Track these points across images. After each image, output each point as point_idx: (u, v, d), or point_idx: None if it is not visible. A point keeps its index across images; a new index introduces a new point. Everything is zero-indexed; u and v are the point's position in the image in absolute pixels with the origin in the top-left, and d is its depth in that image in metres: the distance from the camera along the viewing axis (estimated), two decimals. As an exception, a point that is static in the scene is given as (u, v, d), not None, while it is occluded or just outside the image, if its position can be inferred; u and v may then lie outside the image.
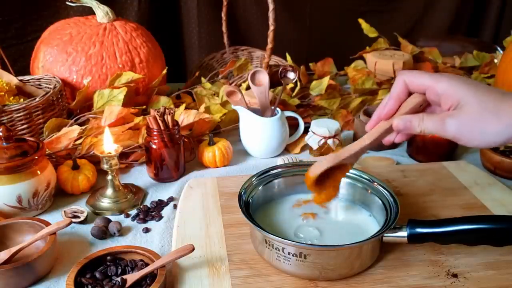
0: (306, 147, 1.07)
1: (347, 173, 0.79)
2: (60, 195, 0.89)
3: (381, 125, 0.64)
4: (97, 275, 0.64)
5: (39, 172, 0.81)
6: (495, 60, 1.35)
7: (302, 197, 0.81)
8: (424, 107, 0.64)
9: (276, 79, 1.12)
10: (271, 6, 1.10)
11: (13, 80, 1.05)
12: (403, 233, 0.66)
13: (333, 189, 0.69)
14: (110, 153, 0.83)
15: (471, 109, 0.57)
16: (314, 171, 0.66)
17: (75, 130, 0.95)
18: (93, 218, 0.82)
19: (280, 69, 1.06)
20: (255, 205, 0.76)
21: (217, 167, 0.99)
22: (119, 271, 0.65)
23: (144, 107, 1.08)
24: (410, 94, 0.63)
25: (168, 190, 0.92)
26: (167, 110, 0.92)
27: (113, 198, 0.86)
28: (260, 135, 1.02)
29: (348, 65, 1.39)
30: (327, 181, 0.68)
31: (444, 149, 1.01)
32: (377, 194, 0.75)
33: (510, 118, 0.56)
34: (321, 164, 0.66)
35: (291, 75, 1.05)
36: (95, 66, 1.10)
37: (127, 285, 0.63)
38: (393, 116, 0.63)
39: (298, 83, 1.27)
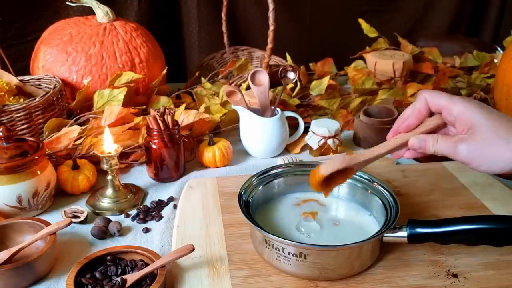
0: (306, 147, 1.07)
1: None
2: (60, 195, 0.89)
3: (398, 138, 0.66)
4: (97, 275, 0.64)
5: (39, 172, 0.81)
6: (495, 60, 1.35)
7: (302, 197, 0.81)
8: (440, 128, 0.66)
9: (276, 79, 1.12)
10: (271, 6, 1.10)
11: (13, 80, 1.05)
12: (403, 233, 0.66)
13: (332, 187, 0.69)
14: (110, 153, 0.83)
15: (483, 135, 0.59)
16: (326, 170, 0.65)
17: (75, 130, 0.95)
18: (93, 218, 0.82)
19: (280, 69, 1.06)
20: (255, 205, 0.76)
21: (217, 167, 0.99)
22: (119, 271, 0.65)
23: (144, 107, 1.08)
24: (430, 111, 0.65)
25: (168, 190, 0.92)
26: (167, 110, 0.92)
27: (113, 198, 0.86)
28: (260, 135, 1.02)
29: (348, 65, 1.39)
30: (330, 181, 0.68)
31: (444, 149, 1.01)
32: (377, 194, 0.75)
33: None
34: (334, 163, 0.66)
35: (291, 75, 1.05)
36: (95, 66, 1.10)
37: (127, 285, 0.63)
38: (411, 131, 0.66)
39: (298, 83, 1.27)
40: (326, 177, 0.66)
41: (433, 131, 0.65)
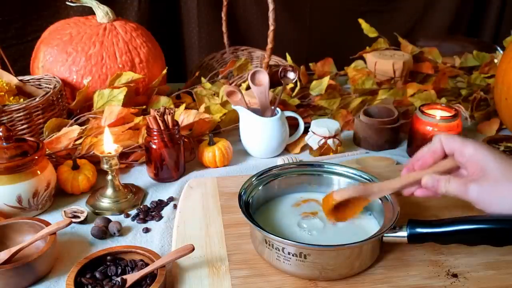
0: (306, 147, 1.07)
1: (347, 173, 0.80)
2: (60, 195, 0.89)
3: (413, 175, 0.69)
4: (97, 275, 0.64)
5: (39, 172, 0.81)
6: (495, 60, 1.35)
7: (302, 197, 0.81)
8: (453, 170, 0.68)
9: (276, 79, 1.12)
10: (271, 6, 1.10)
11: (13, 80, 1.05)
12: (403, 233, 0.66)
13: (345, 216, 0.72)
14: (110, 153, 0.83)
15: (493, 177, 0.62)
16: (340, 196, 0.69)
17: (75, 130, 0.95)
18: (93, 218, 0.82)
19: (280, 69, 1.06)
20: (255, 205, 0.76)
21: (217, 167, 0.99)
22: (119, 271, 0.65)
23: (144, 107, 1.08)
24: (444, 153, 0.68)
25: (168, 190, 0.92)
26: (167, 110, 0.92)
27: (113, 198, 0.86)
28: (260, 135, 1.02)
29: (348, 65, 1.39)
30: (343, 209, 0.71)
31: (444, 149, 1.01)
32: (377, 194, 0.75)
33: None
34: (348, 191, 0.69)
35: (291, 75, 1.05)
36: (95, 66, 1.10)
37: (127, 285, 0.63)
38: (425, 169, 0.68)
39: (298, 83, 1.27)
40: (339, 204, 0.69)
41: (446, 172, 0.67)
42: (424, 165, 0.69)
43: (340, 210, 0.70)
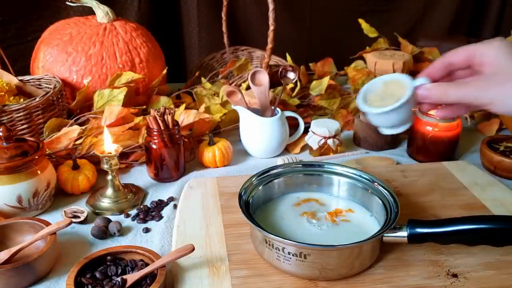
0: (306, 147, 1.07)
1: (347, 173, 0.80)
2: (60, 195, 0.89)
3: None
4: (97, 275, 0.64)
5: (39, 172, 0.81)
6: (495, 60, 1.35)
7: (302, 197, 0.81)
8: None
9: (276, 79, 1.12)
10: (271, 6, 1.10)
11: (13, 80, 1.05)
12: (403, 233, 0.66)
13: None
14: (110, 153, 0.83)
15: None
16: None
17: (75, 130, 0.95)
18: (93, 218, 0.82)
19: (280, 69, 1.06)
20: (255, 205, 0.76)
21: (217, 167, 0.99)
22: (119, 271, 0.65)
23: (144, 107, 1.08)
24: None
25: (168, 190, 0.92)
26: (167, 110, 0.92)
27: (113, 198, 0.86)
28: (260, 135, 1.02)
29: (348, 65, 1.39)
30: None
31: (444, 149, 1.01)
32: (377, 194, 0.75)
33: None
34: None
35: (291, 75, 1.05)
36: (95, 66, 1.10)
37: (127, 285, 0.63)
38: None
39: (298, 83, 1.27)
40: None
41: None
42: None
43: None
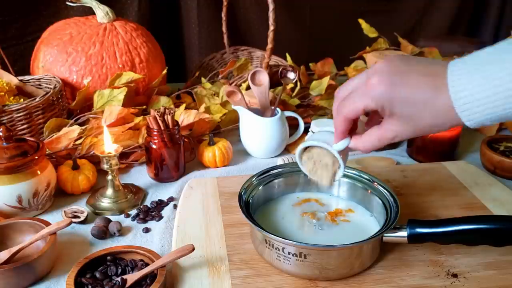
0: (306, 147, 1.07)
1: (347, 173, 0.80)
2: (60, 195, 0.89)
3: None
4: (97, 275, 0.64)
5: (39, 172, 0.81)
6: (495, 60, 1.35)
7: (302, 197, 0.81)
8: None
9: (276, 79, 1.12)
10: (271, 6, 1.10)
11: (13, 80, 1.05)
12: (403, 233, 0.66)
13: None
14: (110, 153, 0.83)
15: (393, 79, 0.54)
16: None
17: (75, 130, 0.95)
18: (93, 218, 0.82)
19: (280, 69, 1.06)
20: (255, 205, 0.76)
21: (217, 167, 0.99)
22: (119, 271, 0.65)
23: (144, 107, 1.08)
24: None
25: (168, 190, 0.92)
26: (167, 110, 0.92)
27: (113, 198, 0.86)
28: (260, 135, 1.02)
29: (348, 65, 1.39)
30: None
31: (444, 149, 1.01)
32: (377, 194, 0.75)
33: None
34: None
35: (291, 75, 1.05)
36: (95, 66, 1.10)
37: (127, 285, 0.63)
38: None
39: (298, 83, 1.27)
40: None
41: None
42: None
43: None
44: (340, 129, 0.61)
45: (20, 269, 0.65)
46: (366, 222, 0.75)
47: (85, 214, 0.82)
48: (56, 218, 0.82)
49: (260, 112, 1.04)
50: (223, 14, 1.44)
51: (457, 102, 0.51)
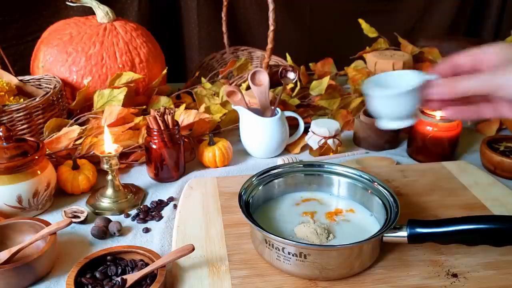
0: (306, 147, 1.07)
1: (347, 173, 0.80)
2: (60, 195, 0.89)
3: None
4: (97, 275, 0.64)
5: (39, 172, 0.81)
6: (495, 60, 1.35)
7: (302, 196, 0.81)
8: None
9: (276, 79, 1.12)
10: (271, 6, 1.10)
11: (13, 80, 1.05)
12: (403, 233, 0.66)
13: None
14: (110, 153, 0.83)
15: None
16: None
17: (75, 130, 0.95)
18: (93, 218, 0.82)
19: (280, 69, 1.06)
20: (255, 205, 0.76)
21: (217, 167, 0.99)
22: (119, 271, 0.65)
23: (144, 107, 1.08)
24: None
25: (168, 190, 0.92)
26: (167, 110, 0.92)
27: (113, 198, 0.86)
28: (260, 135, 1.02)
29: (348, 65, 1.39)
30: None
31: (444, 149, 1.01)
32: (378, 194, 0.75)
33: None
34: None
35: (291, 75, 1.05)
36: (95, 66, 1.10)
37: (127, 285, 0.63)
38: None
39: (298, 83, 1.27)
40: None
41: None
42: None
43: None
44: (437, 68, 0.62)
45: (20, 269, 0.65)
46: (366, 222, 0.75)
47: (85, 214, 0.82)
48: (56, 218, 0.82)
49: (260, 112, 1.04)
50: (223, 14, 1.44)
51: None
